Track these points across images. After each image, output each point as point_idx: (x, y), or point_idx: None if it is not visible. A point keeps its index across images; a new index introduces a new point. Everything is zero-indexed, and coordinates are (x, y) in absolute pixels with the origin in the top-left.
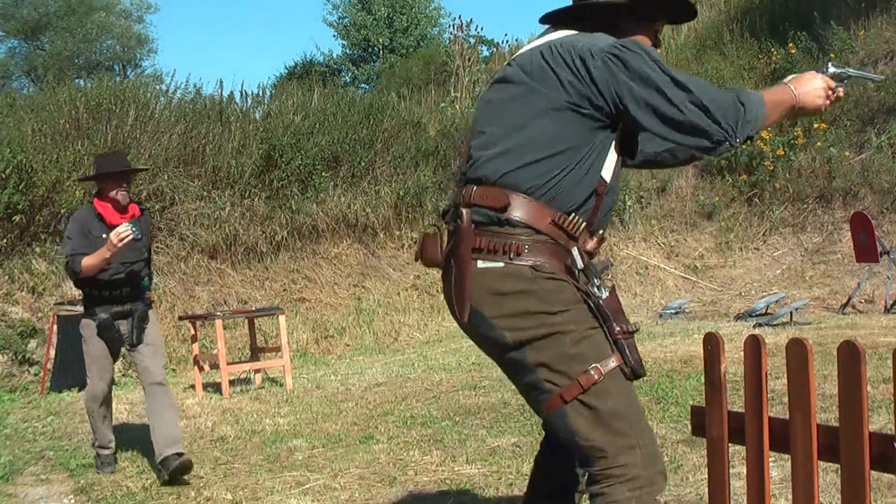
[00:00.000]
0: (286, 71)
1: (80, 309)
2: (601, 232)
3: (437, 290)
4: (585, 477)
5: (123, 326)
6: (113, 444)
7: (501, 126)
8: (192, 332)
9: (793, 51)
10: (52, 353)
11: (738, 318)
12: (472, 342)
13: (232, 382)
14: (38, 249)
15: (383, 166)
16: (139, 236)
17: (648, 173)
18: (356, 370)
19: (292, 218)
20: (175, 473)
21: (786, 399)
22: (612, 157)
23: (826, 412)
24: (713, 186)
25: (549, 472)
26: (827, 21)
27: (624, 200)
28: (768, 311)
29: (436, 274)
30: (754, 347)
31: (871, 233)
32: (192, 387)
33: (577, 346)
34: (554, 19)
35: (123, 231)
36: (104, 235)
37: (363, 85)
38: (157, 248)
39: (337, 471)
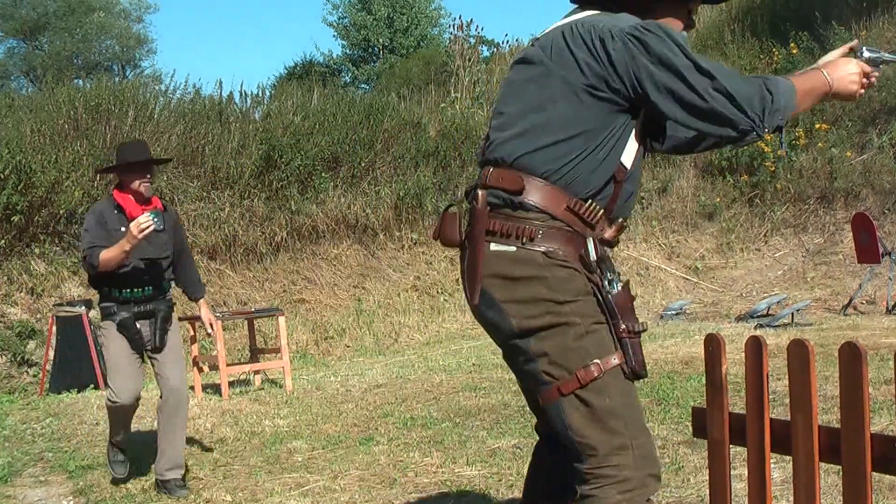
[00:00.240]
0: (286, 71)
1: (79, 310)
2: (621, 220)
3: (437, 292)
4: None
5: (145, 329)
6: (125, 453)
7: (519, 107)
8: (192, 333)
9: (794, 51)
10: (51, 354)
11: (739, 319)
12: (472, 343)
13: (231, 384)
14: (36, 250)
15: (383, 167)
16: (161, 227)
17: (649, 173)
18: (356, 371)
19: (292, 219)
20: (171, 494)
21: (787, 400)
22: (632, 143)
23: (827, 413)
24: (714, 187)
25: (548, 471)
26: (828, 21)
27: None
28: (769, 313)
29: (436, 275)
30: (755, 348)
31: (873, 233)
32: (192, 388)
33: (580, 340)
34: None
35: (144, 221)
36: (123, 228)
37: (363, 85)
38: None
39: (337, 472)
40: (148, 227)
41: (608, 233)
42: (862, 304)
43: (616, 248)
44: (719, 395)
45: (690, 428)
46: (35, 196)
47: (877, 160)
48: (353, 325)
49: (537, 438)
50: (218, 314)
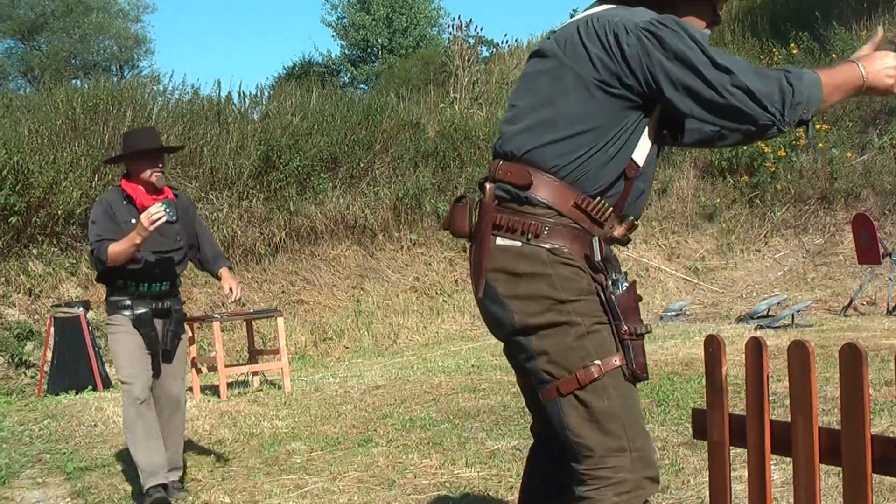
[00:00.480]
0: (284, 71)
1: (77, 311)
2: (631, 218)
3: (436, 293)
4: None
5: (159, 327)
6: (163, 470)
7: (530, 101)
8: (190, 334)
9: (794, 51)
10: (49, 355)
11: (739, 320)
12: (471, 345)
13: (230, 385)
14: (34, 251)
15: (382, 167)
16: (174, 218)
17: None
18: (355, 373)
19: (290, 219)
20: (170, 496)
21: (787, 402)
22: (645, 140)
23: (828, 415)
24: (714, 188)
25: (544, 472)
26: (828, 21)
27: None
28: (770, 314)
29: (435, 276)
30: (756, 350)
31: (873, 234)
32: (190, 389)
33: (581, 340)
34: None
35: (156, 212)
36: (133, 220)
37: (362, 85)
38: None
39: (335, 474)
40: (160, 219)
41: (618, 231)
42: (862, 305)
43: (616, 250)
44: (719, 397)
45: (690, 429)
46: (33, 197)
47: (877, 161)
48: (351, 326)
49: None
50: (216, 315)
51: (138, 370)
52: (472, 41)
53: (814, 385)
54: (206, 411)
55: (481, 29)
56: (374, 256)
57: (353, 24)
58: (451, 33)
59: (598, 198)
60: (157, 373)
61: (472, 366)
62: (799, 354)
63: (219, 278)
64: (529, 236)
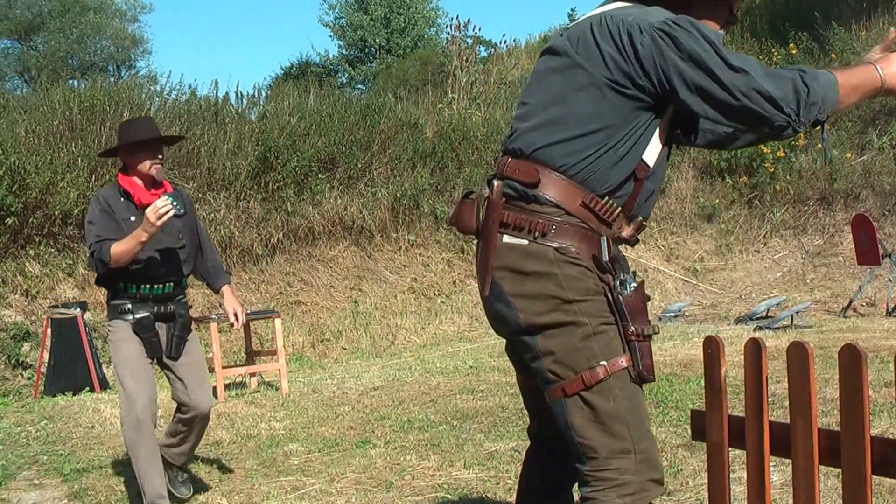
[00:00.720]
0: (282, 72)
1: (73, 312)
2: (640, 218)
3: (434, 294)
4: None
5: (161, 333)
6: (164, 495)
7: (541, 98)
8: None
9: (793, 51)
10: (46, 356)
11: (738, 321)
12: (469, 346)
13: (227, 386)
14: (31, 252)
15: (380, 168)
16: (182, 212)
17: None
18: (353, 374)
19: (288, 220)
20: (174, 489)
21: (786, 403)
22: (656, 141)
23: (827, 416)
24: (713, 188)
25: (543, 472)
26: (828, 21)
27: None
28: (769, 315)
29: (433, 277)
30: (755, 351)
31: (873, 235)
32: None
33: (587, 341)
34: None
35: (163, 205)
36: (133, 218)
37: (360, 86)
38: None
39: (333, 475)
40: (167, 213)
41: (626, 231)
42: (862, 306)
43: (623, 249)
44: (718, 398)
45: (689, 431)
46: (29, 197)
47: (877, 161)
48: (349, 327)
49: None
50: (213, 316)
51: (141, 385)
52: (470, 41)
53: (813, 386)
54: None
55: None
56: (371, 257)
57: (351, 24)
58: (449, 33)
59: (607, 197)
60: (179, 384)
61: (471, 367)
62: (798, 355)
63: (219, 294)
64: (536, 235)
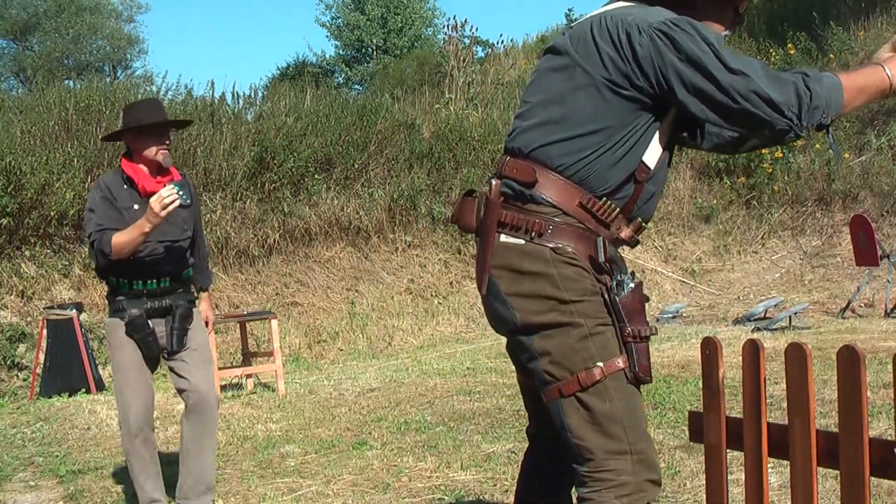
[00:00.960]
0: (278, 72)
1: (69, 313)
2: (639, 220)
3: (431, 295)
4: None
5: (160, 327)
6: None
7: (541, 97)
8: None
9: (791, 51)
10: (42, 357)
11: (736, 322)
12: (466, 347)
13: (223, 387)
14: (27, 253)
15: (377, 168)
16: (188, 202)
17: None
18: (349, 375)
19: (284, 221)
20: None
21: (785, 404)
22: (656, 143)
23: (825, 417)
24: (711, 189)
25: (541, 473)
26: (826, 21)
27: None
28: (767, 316)
29: (430, 278)
30: (753, 352)
31: (871, 236)
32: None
33: (584, 342)
34: None
35: (168, 195)
36: (136, 206)
37: (356, 86)
38: None
39: (330, 477)
40: (173, 202)
41: (625, 232)
42: (860, 307)
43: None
44: (716, 399)
45: (687, 432)
46: (25, 198)
47: (875, 162)
48: (346, 328)
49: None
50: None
51: (135, 394)
52: (467, 41)
53: (811, 387)
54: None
55: (476, 29)
56: (368, 258)
57: (348, 25)
58: (446, 34)
59: (605, 199)
60: (179, 367)
61: (468, 368)
62: (796, 356)
63: (198, 292)
64: (533, 234)
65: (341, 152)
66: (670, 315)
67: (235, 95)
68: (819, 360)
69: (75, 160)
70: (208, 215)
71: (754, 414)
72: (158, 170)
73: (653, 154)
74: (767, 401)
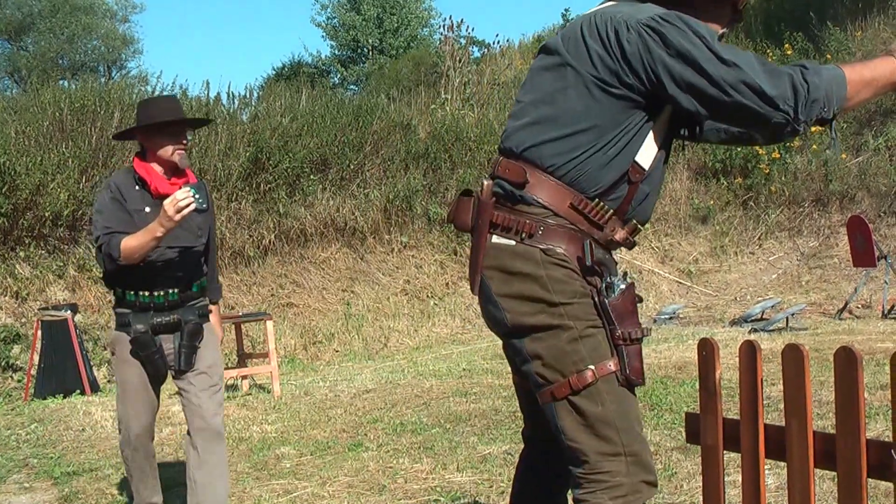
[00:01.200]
0: (274, 72)
1: (64, 314)
2: (634, 221)
3: (427, 296)
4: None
5: (167, 344)
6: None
7: (532, 97)
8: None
9: (788, 52)
10: (36, 359)
11: (733, 323)
12: (462, 348)
13: None
14: (21, 254)
15: (372, 169)
16: (204, 206)
17: None
18: (345, 376)
19: (280, 221)
20: None
21: (782, 406)
22: (651, 143)
23: (823, 419)
24: (708, 189)
25: (537, 475)
26: (823, 22)
27: None
28: (764, 317)
29: (425, 279)
30: (750, 353)
31: (869, 237)
32: (178, 393)
33: (574, 344)
34: None
35: (183, 198)
36: (147, 209)
37: (352, 86)
38: None
39: (325, 479)
40: (188, 206)
41: (619, 234)
42: (857, 308)
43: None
44: (713, 401)
45: (684, 433)
46: (19, 199)
47: (872, 162)
48: (341, 329)
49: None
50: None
51: (136, 413)
52: (463, 42)
53: (808, 389)
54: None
55: (473, 29)
56: (364, 259)
57: (344, 25)
58: (442, 34)
59: (598, 200)
60: (186, 388)
61: (464, 369)
62: (793, 358)
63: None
64: (524, 235)
65: (337, 153)
66: (667, 316)
67: (231, 96)
68: (816, 362)
69: (70, 161)
70: None
71: (751, 415)
72: (174, 171)
73: (647, 154)
74: (764, 402)
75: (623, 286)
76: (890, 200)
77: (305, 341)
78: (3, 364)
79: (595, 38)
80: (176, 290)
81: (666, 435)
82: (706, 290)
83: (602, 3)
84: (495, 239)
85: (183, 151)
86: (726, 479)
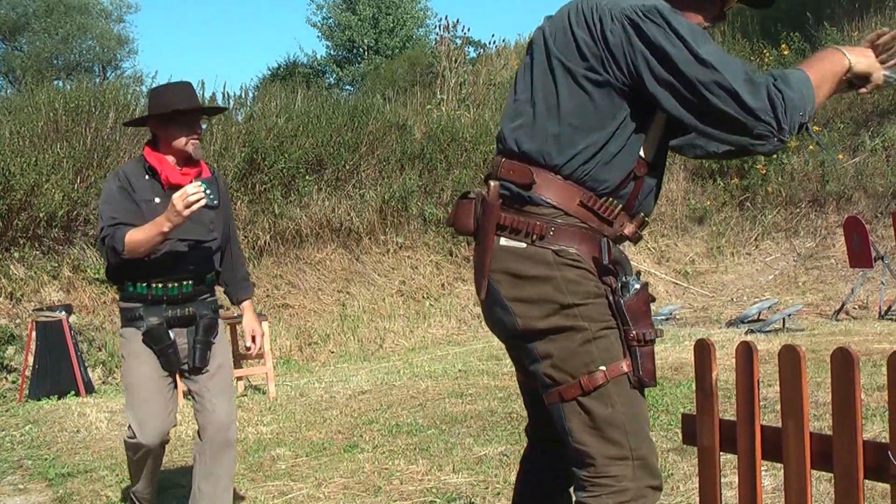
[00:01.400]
0: (269, 72)
1: (59, 315)
2: (641, 214)
3: (423, 297)
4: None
5: (181, 340)
6: (151, 497)
7: (525, 94)
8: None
9: (785, 52)
10: (31, 360)
11: (729, 324)
12: (458, 349)
13: None
14: (16, 254)
15: (368, 169)
16: (215, 203)
17: None
18: (340, 377)
19: (275, 222)
20: None
21: (778, 407)
22: (652, 135)
23: (819, 420)
24: (704, 190)
25: (540, 475)
26: (820, 22)
27: None
28: (760, 318)
29: (421, 279)
30: (746, 354)
31: (865, 237)
32: (189, 394)
33: (587, 346)
34: None
35: (194, 192)
36: (157, 200)
37: (347, 87)
38: None
39: (321, 480)
40: (198, 202)
41: (628, 228)
42: (854, 309)
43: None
44: (709, 402)
45: (680, 435)
46: (14, 199)
47: (869, 163)
48: (337, 330)
49: (524, 446)
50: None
51: (150, 418)
52: (459, 42)
53: (805, 390)
54: (189, 417)
55: (468, 29)
56: (359, 260)
57: (339, 25)
58: (437, 34)
59: (607, 196)
60: (197, 390)
61: (459, 370)
62: (790, 359)
63: (238, 307)
64: (535, 237)
65: (332, 153)
66: (664, 317)
67: (226, 96)
68: (813, 363)
69: (65, 161)
70: None
71: (748, 416)
72: (186, 161)
73: (649, 147)
74: (761, 403)
75: (638, 286)
76: (887, 201)
77: (301, 342)
78: None
79: (582, 26)
80: (190, 283)
81: (662, 436)
82: (703, 291)
83: None
84: (503, 241)
85: (197, 142)
86: (723, 480)
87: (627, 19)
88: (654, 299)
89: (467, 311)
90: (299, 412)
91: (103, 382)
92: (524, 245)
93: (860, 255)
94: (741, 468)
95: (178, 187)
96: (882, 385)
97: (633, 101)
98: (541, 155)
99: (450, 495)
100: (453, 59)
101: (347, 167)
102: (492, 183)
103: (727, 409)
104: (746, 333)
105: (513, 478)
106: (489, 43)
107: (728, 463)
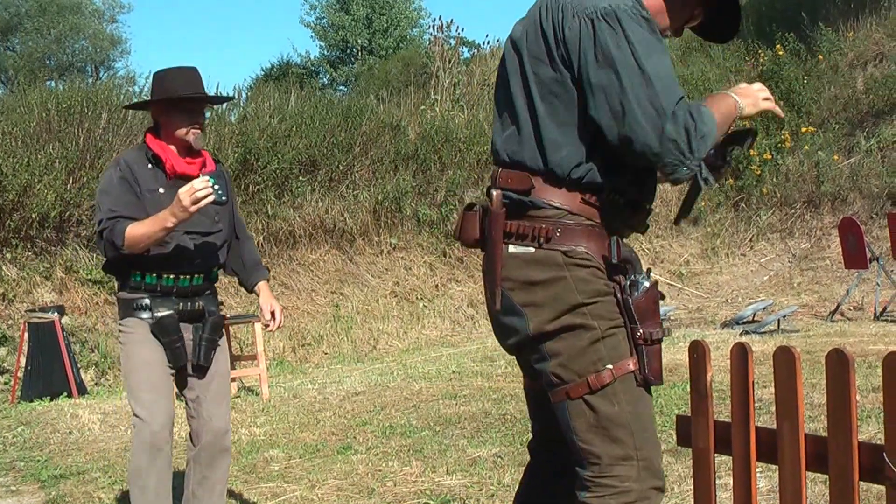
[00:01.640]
0: (262, 73)
1: (51, 316)
2: (645, 204)
3: (417, 298)
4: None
5: (186, 335)
6: None
7: (507, 98)
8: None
9: (780, 52)
10: (23, 361)
11: (724, 325)
12: (451, 351)
13: None
14: (8, 255)
15: (362, 170)
16: (223, 199)
17: None
18: (334, 379)
19: (268, 223)
20: None
21: (773, 408)
22: None
23: (814, 421)
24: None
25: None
26: (815, 22)
27: None
28: (755, 319)
29: (415, 281)
30: (741, 355)
31: (861, 238)
32: (184, 398)
33: (596, 344)
34: None
35: (201, 187)
36: (161, 190)
37: (341, 87)
38: None
39: (314, 482)
40: (206, 198)
41: (634, 220)
42: (849, 310)
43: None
44: (704, 403)
45: (674, 436)
46: (6, 200)
47: (864, 164)
48: (330, 331)
49: (519, 447)
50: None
51: (158, 400)
52: (453, 42)
53: (800, 391)
54: (182, 418)
55: (462, 30)
56: (353, 261)
57: (333, 25)
58: (431, 34)
59: (607, 192)
60: (193, 397)
61: (453, 372)
62: (785, 360)
63: (254, 293)
64: (542, 240)
65: (326, 154)
66: None
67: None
68: (808, 364)
69: (57, 162)
70: None
71: (742, 418)
72: (188, 150)
73: None
74: (756, 405)
75: (647, 284)
76: (882, 202)
77: (294, 343)
78: None
79: (548, 22)
80: (201, 276)
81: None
82: (697, 292)
83: None
84: (512, 248)
85: (198, 131)
86: (718, 482)
87: (586, 17)
88: (663, 297)
89: (461, 313)
90: (293, 413)
91: (96, 384)
92: (532, 249)
93: (855, 256)
94: (736, 470)
95: (183, 177)
96: (877, 386)
97: None
98: (533, 161)
99: (443, 497)
100: (447, 59)
101: (341, 168)
102: (494, 192)
103: (722, 411)
104: (741, 335)
105: (507, 479)
106: (483, 43)
107: (723, 464)
